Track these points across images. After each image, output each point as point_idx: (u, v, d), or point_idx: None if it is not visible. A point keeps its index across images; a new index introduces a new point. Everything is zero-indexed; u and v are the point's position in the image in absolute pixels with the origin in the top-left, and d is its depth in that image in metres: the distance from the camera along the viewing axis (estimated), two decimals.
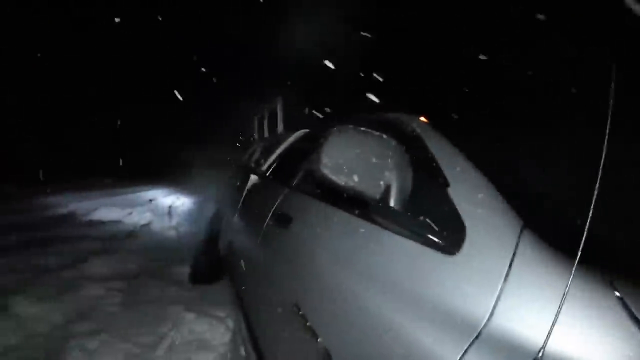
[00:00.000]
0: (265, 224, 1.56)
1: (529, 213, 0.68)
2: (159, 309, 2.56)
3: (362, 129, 0.91)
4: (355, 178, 0.82)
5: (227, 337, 2.22)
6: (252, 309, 1.53)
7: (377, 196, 0.83)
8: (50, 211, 5.34)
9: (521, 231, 0.64)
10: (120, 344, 2.07)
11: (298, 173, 1.63)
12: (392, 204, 0.85)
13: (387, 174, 0.85)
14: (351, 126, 0.90)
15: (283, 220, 1.37)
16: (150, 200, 6.89)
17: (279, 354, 1.15)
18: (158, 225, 5.18)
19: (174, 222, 5.53)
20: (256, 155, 3.19)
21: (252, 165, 2.97)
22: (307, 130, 2.47)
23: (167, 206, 6.61)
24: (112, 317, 2.41)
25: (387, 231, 0.85)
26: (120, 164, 10.12)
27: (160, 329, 2.28)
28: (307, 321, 0.96)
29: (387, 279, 0.78)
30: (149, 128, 10.38)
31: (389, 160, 0.86)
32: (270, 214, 1.57)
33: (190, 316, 2.34)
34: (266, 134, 3.42)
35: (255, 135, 3.75)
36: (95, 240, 3.99)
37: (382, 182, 0.84)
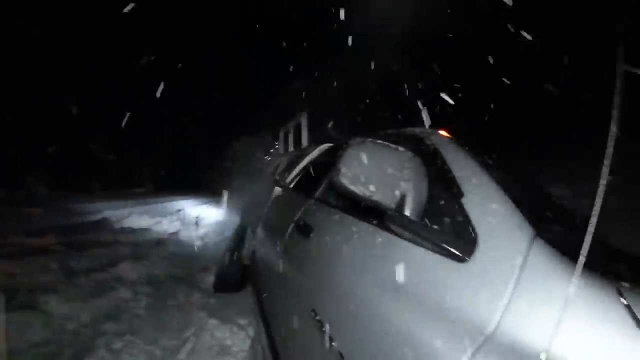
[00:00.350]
0: (287, 233, 1.61)
1: (540, 222, 0.69)
2: (183, 314, 2.65)
3: (380, 141, 0.95)
4: (372, 188, 0.86)
5: (247, 344, 2.26)
6: (272, 316, 1.57)
7: (393, 206, 0.87)
8: (86, 217, 5.63)
9: (532, 240, 0.66)
10: (145, 345, 2.15)
11: (320, 185, 1.69)
12: (407, 213, 0.88)
13: (403, 184, 0.88)
14: (369, 139, 0.94)
15: (304, 229, 1.42)
16: (179, 211, 7.13)
17: (294, 357, 1.18)
18: (185, 234, 5.36)
19: (200, 232, 5.70)
20: (281, 168, 3.28)
21: (277, 177, 3.06)
22: (331, 144, 2.54)
23: (195, 216, 6.83)
24: (138, 319, 2.51)
25: (402, 240, 0.88)
26: (151, 176, 10.59)
27: (184, 334, 2.35)
28: (322, 326, 0.99)
29: (401, 285, 0.81)
30: (178, 142, 10.84)
31: (405, 171, 0.90)
32: (291, 224, 1.62)
33: (212, 322, 2.40)
34: (291, 148, 3.53)
35: (281, 149, 3.87)
36: (126, 246, 4.17)
37: (398, 192, 0.88)
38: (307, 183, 2.04)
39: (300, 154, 2.86)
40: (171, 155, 10.66)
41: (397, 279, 0.82)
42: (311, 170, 2.24)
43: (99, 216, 5.72)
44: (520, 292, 0.61)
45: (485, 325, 0.61)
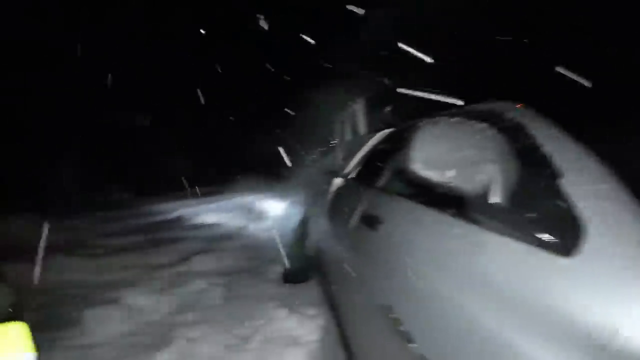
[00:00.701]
0: (353, 225, 1.56)
1: None
2: (254, 304, 2.74)
3: (455, 119, 0.85)
4: (451, 173, 0.76)
5: (316, 335, 2.27)
6: (343, 310, 1.54)
7: (476, 192, 0.77)
8: (161, 216, 6.12)
9: None
10: (219, 334, 2.26)
11: (384, 173, 1.61)
12: (493, 200, 0.78)
13: (486, 167, 0.77)
14: (443, 118, 0.85)
15: (371, 221, 1.36)
16: (245, 205, 7.45)
17: (371, 356, 1.14)
18: (251, 227, 5.59)
19: (265, 224, 5.90)
20: (340, 158, 3.24)
21: (337, 168, 3.02)
22: (392, 129, 2.43)
23: (261, 210, 7.09)
24: (213, 309, 2.64)
25: (488, 231, 0.78)
26: (216, 176, 11.28)
27: (255, 322, 2.43)
28: (401, 325, 0.92)
29: (491, 284, 0.71)
30: (242, 135, 11.34)
31: (489, 151, 0.78)
32: (357, 216, 1.57)
33: (282, 312, 2.45)
34: (347, 137, 3.47)
35: (337, 139, 3.82)
36: (198, 241, 4.45)
37: (481, 177, 0.77)
38: (370, 172, 1.96)
39: (359, 142, 2.78)
40: (233, 156, 11.24)
41: (486, 276, 0.72)
42: (373, 159, 2.16)
43: (173, 215, 6.18)
44: None
45: (599, 332, 0.50)
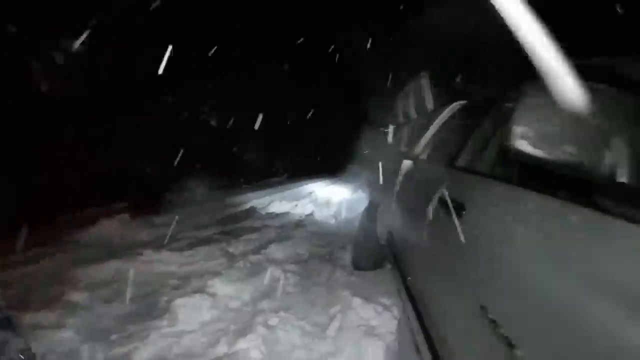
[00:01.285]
0: (430, 211, 1.42)
1: None
2: (328, 291, 2.74)
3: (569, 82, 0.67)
4: (567, 150, 0.60)
5: (393, 326, 2.19)
6: (423, 303, 1.43)
7: (602, 172, 0.60)
8: (237, 208, 6.43)
9: None
10: (297, 321, 2.29)
11: (462, 151, 1.43)
12: (625, 181, 0.60)
13: (614, 140, 0.60)
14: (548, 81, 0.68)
15: (454, 207, 1.21)
16: (311, 193, 7.54)
17: (461, 356, 1.02)
18: (320, 214, 5.64)
19: (332, 210, 5.91)
20: (406, 138, 3.04)
21: (404, 149, 2.84)
22: (463, 102, 2.18)
23: (325, 197, 7.13)
24: (289, 296, 2.70)
25: (617, 219, 0.61)
26: (284, 165, 11.61)
27: (331, 310, 2.42)
28: (498, 327, 0.80)
29: (618, 283, 0.55)
30: (307, 134, 11.48)
31: (616, 121, 0.60)
32: (434, 201, 1.42)
33: (357, 301, 2.41)
34: (413, 114, 3.22)
35: (400, 117, 3.58)
36: (272, 229, 4.59)
37: (607, 154, 0.60)
38: (444, 151, 1.78)
39: (427, 118, 2.56)
40: (298, 145, 11.43)
41: (611, 274, 0.57)
42: (445, 136, 1.96)
43: (247, 206, 6.47)
44: None
45: None
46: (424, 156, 2.20)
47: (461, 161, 1.40)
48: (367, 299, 2.45)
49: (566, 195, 0.71)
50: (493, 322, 0.82)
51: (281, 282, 2.88)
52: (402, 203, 2.10)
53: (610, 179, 0.60)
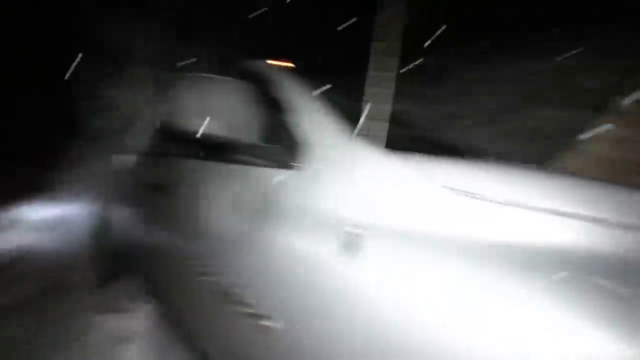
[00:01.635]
0: (150, 202, 1.51)
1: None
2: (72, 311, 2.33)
3: (207, 75, 0.94)
4: (209, 121, 0.86)
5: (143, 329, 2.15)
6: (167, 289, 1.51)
7: (229, 136, 0.90)
8: None
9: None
10: None
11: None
12: (245, 140, 0.93)
13: (238, 113, 0.91)
14: (196, 73, 0.93)
15: (161, 189, 1.35)
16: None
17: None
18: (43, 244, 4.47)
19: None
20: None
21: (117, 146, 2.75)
22: None
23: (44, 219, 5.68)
24: None
25: (241, 165, 0.94)
26: None
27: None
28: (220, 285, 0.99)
29: (248, 202, 0.89)
30: None
31: (239, 101, 0.92)
32: (149, 190, 1.52)
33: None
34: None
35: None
36: None
37: (234, 122, 0.90)
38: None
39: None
40: None
41: (240, 195, 0.89)
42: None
43: None
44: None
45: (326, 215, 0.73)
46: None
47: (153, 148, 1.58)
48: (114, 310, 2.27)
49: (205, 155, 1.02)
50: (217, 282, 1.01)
51: None
52: (125, 201, 2.07)
53: (236, 141, 0.92)
